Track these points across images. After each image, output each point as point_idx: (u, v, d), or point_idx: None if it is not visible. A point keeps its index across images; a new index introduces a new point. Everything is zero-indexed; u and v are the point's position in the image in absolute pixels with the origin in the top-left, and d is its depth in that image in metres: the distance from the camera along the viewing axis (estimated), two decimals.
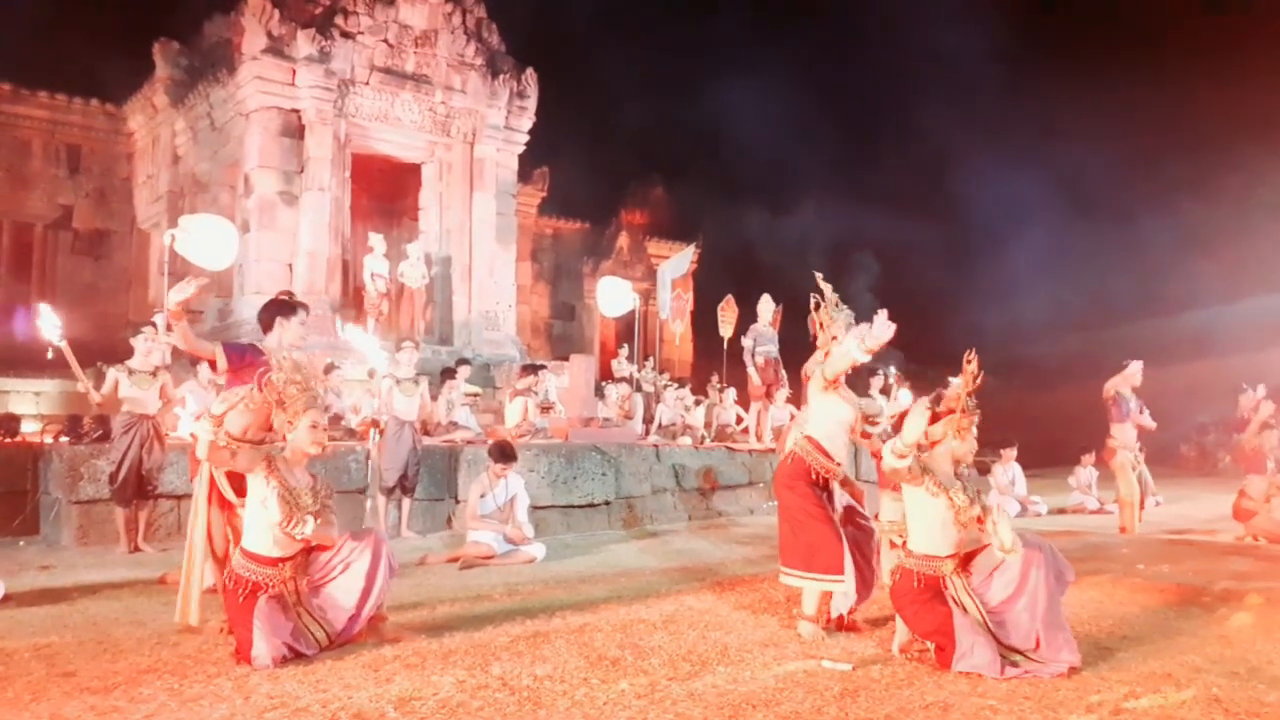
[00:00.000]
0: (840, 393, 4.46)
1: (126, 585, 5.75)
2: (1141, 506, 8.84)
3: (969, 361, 4.00)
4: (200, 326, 13.70)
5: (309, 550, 4.20)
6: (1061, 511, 11.21)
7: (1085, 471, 11.87)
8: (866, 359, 4.21)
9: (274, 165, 12.94)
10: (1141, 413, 8.80)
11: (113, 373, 7.07)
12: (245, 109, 13.02)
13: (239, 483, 4.40)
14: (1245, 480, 8.63)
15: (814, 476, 4.43)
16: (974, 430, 4.06)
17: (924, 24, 30.85)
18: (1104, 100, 27.55)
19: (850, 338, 4.24)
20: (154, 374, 7.19)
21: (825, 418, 4.48)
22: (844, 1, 36.70)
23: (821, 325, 4.51)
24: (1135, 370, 8.76)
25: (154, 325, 7.53)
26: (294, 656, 3.87)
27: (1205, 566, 6.53)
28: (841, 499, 4.58)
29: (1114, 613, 4.89)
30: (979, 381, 4.00)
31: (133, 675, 3.69)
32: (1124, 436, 8.72)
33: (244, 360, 4.56)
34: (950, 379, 4.64)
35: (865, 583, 4.51)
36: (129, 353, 7.23)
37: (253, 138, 12.97)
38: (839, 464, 4.48)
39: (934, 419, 4.23)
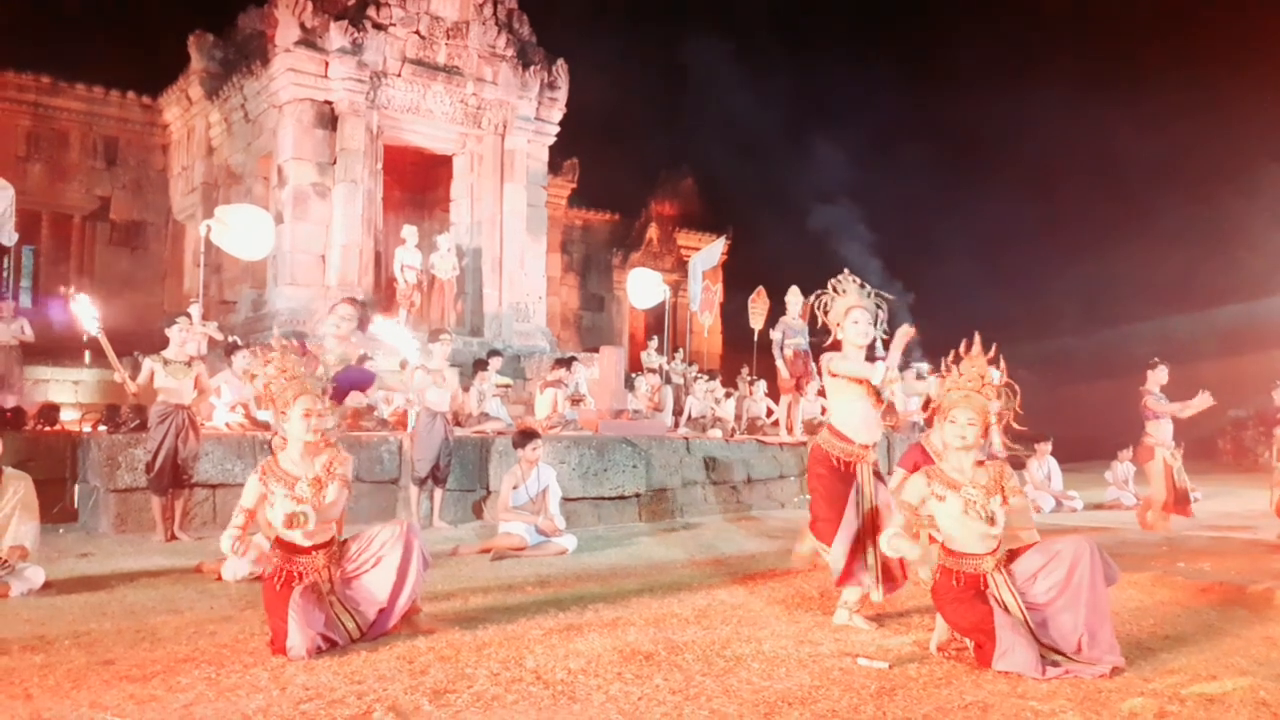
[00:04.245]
0: (848, 375, 4.47)
1: (163, 573, 5.80)
2: (1187, 507, 8.65)
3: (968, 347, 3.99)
4: (234, 317, 13.84)
5: (343, 541, 4.23)
6: (1099, 507, 11.06)
7: (1122, 467, 11.70)
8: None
9: (307, 157, 13.03)
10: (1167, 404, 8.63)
11: (148, 363, 7.13)
12: (278, 101, 13.11)
13: None
14: None
15: (835, 462, 4.49)
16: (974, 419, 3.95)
17: None
18: (1144, 91, 27.04)
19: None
20: (189, 364, 7.22)
21: (837, 403, 4.59)
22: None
23: (826, 314, 4.54)
24: (1161, 373, 8.64)
25: (188, 316, 7.58)
26: (329, 647, 3.89)
27: (1247, 565, 6.40)
28: (883, 493, 4.52)
29: (1155, 612, 4.81)
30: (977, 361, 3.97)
31: (171, 664, 3.72)
32: (1160, 434, 8.58)
33: None
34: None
35: (889, 576, 4.44)
36: (165, 343, 7.29)
37: (286, 129, 13.07)
38: (861, 444, 4.48)
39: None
